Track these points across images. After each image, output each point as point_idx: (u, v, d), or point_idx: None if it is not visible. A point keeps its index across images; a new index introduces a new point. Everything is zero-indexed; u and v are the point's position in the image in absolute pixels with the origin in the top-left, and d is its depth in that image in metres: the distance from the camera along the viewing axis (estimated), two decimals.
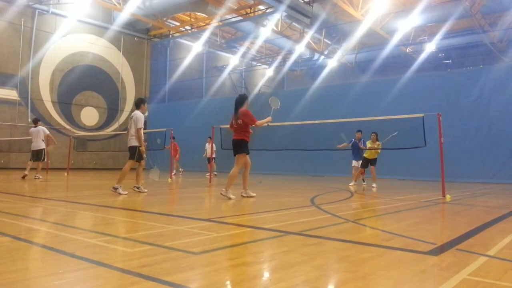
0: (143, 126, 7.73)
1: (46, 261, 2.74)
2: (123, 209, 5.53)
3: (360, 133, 11.25)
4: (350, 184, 11.03)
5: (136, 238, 3.43)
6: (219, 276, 2.39)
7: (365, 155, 10.82)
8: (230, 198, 6.65)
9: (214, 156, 15.03)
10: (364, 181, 11.64)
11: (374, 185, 10.39)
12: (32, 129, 12.45)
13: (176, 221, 4.49)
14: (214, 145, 14.11)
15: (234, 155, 7.02)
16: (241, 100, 7.07)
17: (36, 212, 5.16)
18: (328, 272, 2.57)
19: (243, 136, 6.96)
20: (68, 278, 2.28)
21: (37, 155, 12.23)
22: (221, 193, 6.85)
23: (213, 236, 3.59)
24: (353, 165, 11.60)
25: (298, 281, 2.28)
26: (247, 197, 7.00)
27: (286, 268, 2.52)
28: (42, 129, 12.43)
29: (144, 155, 7.87)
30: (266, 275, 2.49)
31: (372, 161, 10.77)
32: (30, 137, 12.48)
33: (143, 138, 7.75)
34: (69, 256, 2.73)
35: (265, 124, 7.15)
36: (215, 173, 15.61)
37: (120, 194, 7.17)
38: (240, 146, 6.93)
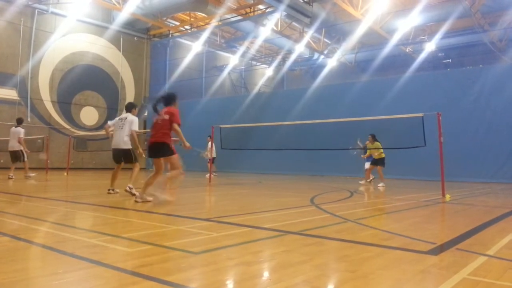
0: (137, 129, 7.31)
1: (45, 261, 2.74)
2: (123, 208, 5.52)
3: (371, 137, 11.77)
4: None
5: (136, 238, 3.43)
6: (219, 276, 2.39)
7: (374, 156, 11.32)
8: (148, 201, 6.00)
9: (214, 156, 15.04)
10: (366, 181, 11.98)
11: (381, 184, 10.64)
12: (13, 128, 11.94)
13: (176, 221, 4.50)
14: (214, 144, 14.08)
15: (153, 157, 6.17)
16: (173, 97, 6.28)
17: (35, 211, 5.15)
18: (327, 271, 2.57)
19: (164, 139, 6.05)
20: (68, 278, 2.28)
21: (15, 156, 11.81)
22: (136, 200, 6.06)
23: (213, 235, 3.59)
24: (366, 167, 12.13)
25: (298, 280, 2.28)
26: (142, 201, 6.06)
27: (285, 268, 2.52)
28: (19, 131, 11.82)
29: (144, 155, 7.58)
30: (265, 274, 2.49)
31: (379, 161, 11.18)
32: (28, 137, 12.30)
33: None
34: (69, 256, 2.74)
35: (181, 144, 6.27)
36: (215, 173, 15.61)
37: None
38: (162, 149, 6.06)
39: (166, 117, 6.03)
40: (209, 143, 15.24)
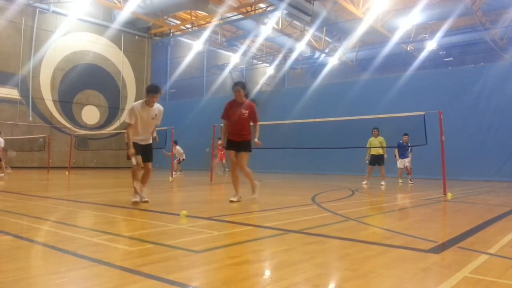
0: (130, 122, 5.79)
1: (47, 259, 2.75)
2: (124, 207, 5.52)
3: (407, 136, 11.68)
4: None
5: (137, 237, 3.44)
6: (220, 274, 2.39)
7: (372, 152, 11.15)
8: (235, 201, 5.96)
9: (184, 158, 16.39)
10: (411, 181, 12.03)
11: (382, 183, 10.68)
12: None
13: (177, 220, 4.49)
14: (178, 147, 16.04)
15: (239, 151, 6.22)
16: (246, 87, 6.31)
17: (37, 210, 5.16)
18: (329, 270, 2.57)
19: (249, 136, 6.16)
20: (70, 276, 2.29)
21: None
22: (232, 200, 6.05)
23: (214, 234, 3.59)
24: (398, 166, 12.12)
25: (299, 279, 2.28)
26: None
27: (287, 266, 2.52)
28: None
29: (133, 160, 5.66)
30: (267, 273, 2.49)
31: (380, 160, 11.12)
32: (29, 136, 12.22)
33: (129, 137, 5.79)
34: (71, 255, 2.74)
35: (256, 139, 6.25)
36: (178, 173, 16.16)
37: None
38: (248, 145, 6.24)
39: (246, 113, 6.22)
40: (176, 146, 16.21)
